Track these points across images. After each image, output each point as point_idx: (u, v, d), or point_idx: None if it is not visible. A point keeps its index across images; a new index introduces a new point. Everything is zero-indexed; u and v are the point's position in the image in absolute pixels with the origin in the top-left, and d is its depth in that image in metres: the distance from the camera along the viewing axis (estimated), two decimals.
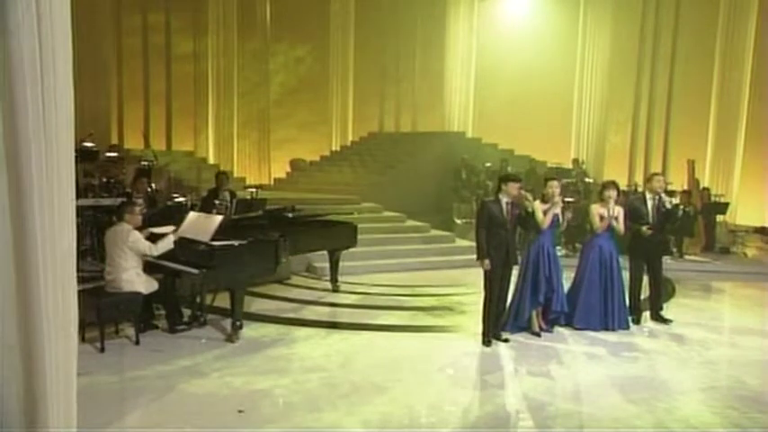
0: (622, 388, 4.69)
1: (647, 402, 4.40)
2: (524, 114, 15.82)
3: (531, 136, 15.56)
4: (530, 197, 5.73)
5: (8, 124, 2.99)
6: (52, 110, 3.14)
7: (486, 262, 5.49)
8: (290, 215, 6.69)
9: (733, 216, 12.93)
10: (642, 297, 6.66)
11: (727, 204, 11.42)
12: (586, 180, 13.14)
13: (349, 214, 7.88)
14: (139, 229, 5.47)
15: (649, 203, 6.49)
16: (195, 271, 5.38)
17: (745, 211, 13.28)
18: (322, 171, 14.33)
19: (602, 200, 6.31)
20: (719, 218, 11.45)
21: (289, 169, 16.21)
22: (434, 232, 10.91)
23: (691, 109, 14.08)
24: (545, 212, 5.87)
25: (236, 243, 5.54)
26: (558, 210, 5.96)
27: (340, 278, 7.74)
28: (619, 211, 6.26)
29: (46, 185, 3.14)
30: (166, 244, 5.45)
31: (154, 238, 5.67)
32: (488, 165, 13.99)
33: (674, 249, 10.24)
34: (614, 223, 6.17)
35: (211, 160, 15.29)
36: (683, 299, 7.94)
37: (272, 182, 15.15)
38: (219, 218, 5.71)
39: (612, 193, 6.22)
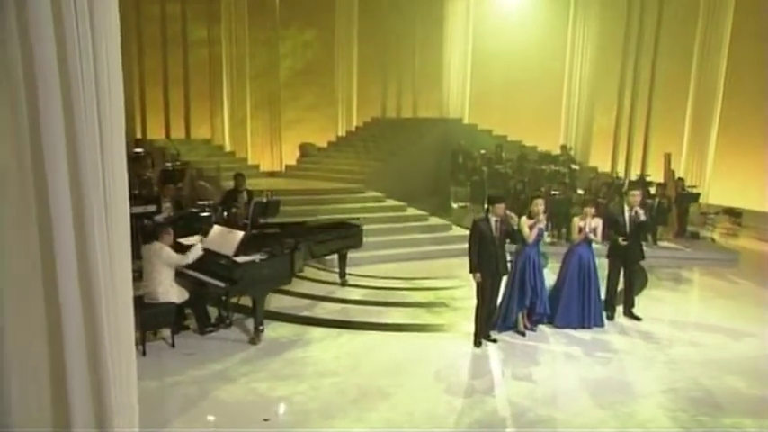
0: (593, 391, 5.04)
1: (613, 407, 4.75)
2: (517, 101, 15.85)
3: (523, 122, 15.65)
4: (513, 216, 5.97)
5: (68, 122, 3.01)
6: (106, 110, 3.16)
7: (478, 275, 5.80)
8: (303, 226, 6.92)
9: (705, 197, 13.20)
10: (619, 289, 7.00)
11: (698, 194, 11.66)
12: (573, 167, 13.27)
13: (355, 218, 8.08)
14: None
15: (626, 214, 6.75)
16: (222, 284, 5.68)
17: (716, 191, 13.53)
18: (329, 158, 14.48)
19: (583, 214, 6.56)
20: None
21: (298, 153, 16.41)
22: (433, 221, 11.13)
23: (669, 104, 14.14)
24: (531, 227, 6.13)
25: (257, 259, 5.82)
26: (542, 225, 6.21)
27: (347, 269, 8.09)
28: (597, 224, 6.52)
29: (102, 188, 3.19)
30: (196, 253, 5.77)
31: (182, 249, 6.01)
32: (483, 152, 14.14)
33: (650, 236, 10.51)
34: (591, 236, 6.45)
35: (228, 147, 15.40)
36: (655, 290, 8.26)
37: (283, 168, 15.28)
38: (241, 234, 5.98)
39: (591, 210, 6.48)
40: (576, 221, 6.54)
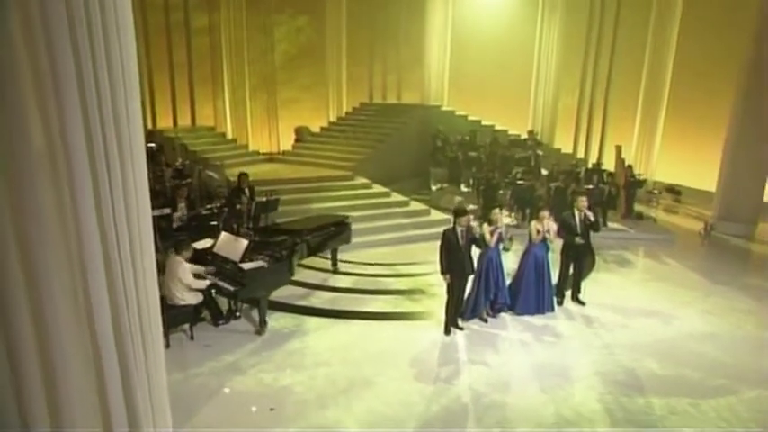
0: (539, 376, 5.55)
1: (554, 390, 5.28)
2: (491, 88, 15.98)
3: (496, 107, 15.83)
4: (476, 225, 6.37)
5: (87, 120, 2.89)
6: (122, 107, 3.04)
7: (447, 276, 6.25)
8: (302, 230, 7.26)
9: (652, 176, 13.69)
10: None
11: (644, 181, 12.12)
12: (538, 152, 13.56)
13: (345, 217, 8.40)
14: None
15: (577, 218, 7.16)
16: (231, 288, 6.06)
17: (661, 169, 14.03)
18: (322, 143, 14.57)
19: (539, 218, 6.96)
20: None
21: (293, 135, 16.52)
22: (413, 206, 11.41)
23: (624, 96, 14.40)
24: (491, 233, 6.54)
25: (261, 265, 6.19)
26: (501, 230, 6.62)
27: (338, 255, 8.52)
28: (550, 226, 6.94)
29: (123, 187, 3.11)
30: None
31: (195, 252, 6.38)
32: (459, 137, 14.37)
33: (600, 219, 10.94)
34: (548, 236, 6.88)
35: (230, 134, 15.45)
36: (601, 273, 8.73)
37: (280, 150, 15.42)
38: (246, 242, 6.32)
39: (546, 214, 6.88)
40: (534, 225, 6.93)
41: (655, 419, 4.88)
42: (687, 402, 5.13)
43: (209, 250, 6.56)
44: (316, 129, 16.17)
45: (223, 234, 6.63)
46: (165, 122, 15.25)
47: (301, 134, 16.00)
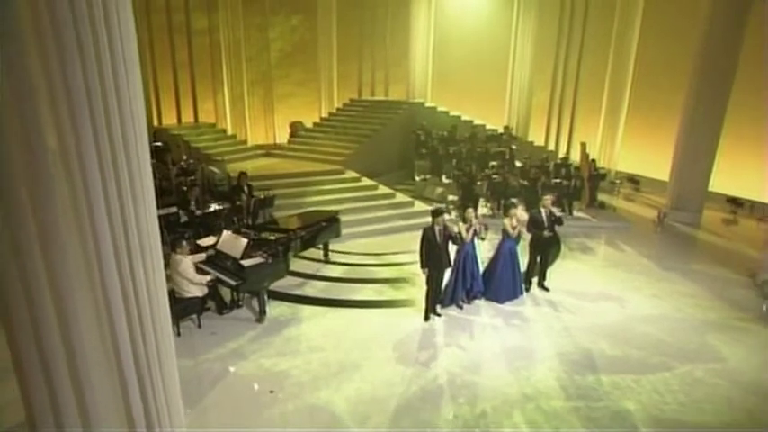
0: (506, 358, 5.85)
1: (518, 371, 5.60)
2: (471, 85, 16.05)
3: (476, 103, 15.94)
4: (451, 223, 6.60)
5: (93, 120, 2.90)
6: (127, 107, 3.03)
7: (426, 270, 6.50)
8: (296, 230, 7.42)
9: (614, 167, 13.98)
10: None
11: (605, 174, 12.40)
12: (513, 147, 13.74)
13: (335, 213, 8.55)
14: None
15: (543, 214, 7.39)
16: (233, 282, 6.26)
17: (623, 160, 14.31)
18: (315, 138, 14.58)
19: (509, 215, 7.18)
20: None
21: (288, 129, 16.53)
22: (399, 197, 11.54)
23: (590, 94, 14.57)
24: (467, 230, 6.78)
25: (260, 262, 6.38)
26: (476, 227, 6.86)
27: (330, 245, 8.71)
28: (522, 216, 7.18)
29: (129, 181, 3.13)
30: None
31: (200, 249, 6.55)
32: (440, 133, 14.48)
33: (566, 208, 11.22)
34: (522, 230, 7.14)
35: (230, 130, 15.41)
36: (565, 260, 9.00)
37: (276, 145, 15.43)
38: (246, 241, 6.48)
39: (516, 211, 7.12)
40: (508, 222, 7.14)
41: (601, 394, 5.22)
42: (630, 378, 5.48)
43: (212, 246, 6.72)
44: (309, 123, 16.17)
45: (225, 233, 6.78)
46: (169, 119, 15.16)
47: (296, 129, 15.99)
